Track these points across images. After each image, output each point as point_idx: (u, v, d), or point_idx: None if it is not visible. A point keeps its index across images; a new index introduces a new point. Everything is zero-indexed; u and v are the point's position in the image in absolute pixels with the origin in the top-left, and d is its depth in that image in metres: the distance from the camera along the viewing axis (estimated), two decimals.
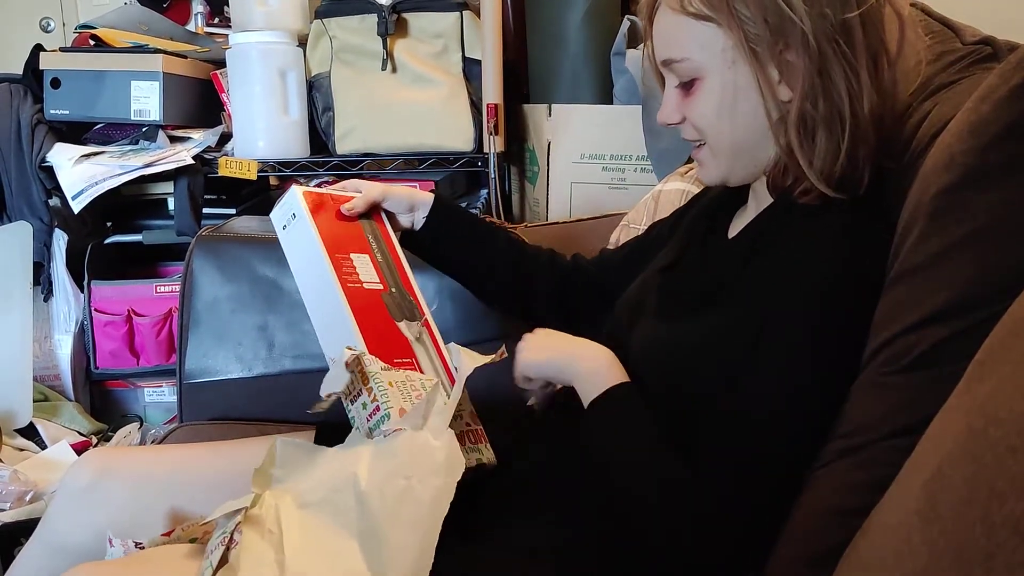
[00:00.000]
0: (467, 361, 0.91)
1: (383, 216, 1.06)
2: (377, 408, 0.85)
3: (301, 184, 1.00)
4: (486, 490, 0.90)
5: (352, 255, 0.96)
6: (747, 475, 0.75)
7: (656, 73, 0.91)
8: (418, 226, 1.08)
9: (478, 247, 1.11)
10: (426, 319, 0.99)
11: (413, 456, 0.82)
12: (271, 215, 1.00)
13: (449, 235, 1.09)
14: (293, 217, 0.96)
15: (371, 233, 1.02)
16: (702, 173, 0.90)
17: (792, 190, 0.83)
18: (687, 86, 0.84)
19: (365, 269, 0.96)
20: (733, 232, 0.93)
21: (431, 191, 1.12)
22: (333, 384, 0.85)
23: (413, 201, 1.07)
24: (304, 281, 0.96)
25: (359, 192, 1.03)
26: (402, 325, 0.95)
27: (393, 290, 0.97)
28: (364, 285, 0.94)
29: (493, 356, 0.93)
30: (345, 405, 0.88)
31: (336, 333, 0.91)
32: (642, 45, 0.92)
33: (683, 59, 0.83)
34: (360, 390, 0.87)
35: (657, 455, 0.78)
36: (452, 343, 0.97)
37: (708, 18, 0.80)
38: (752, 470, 0.75)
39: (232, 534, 0.81)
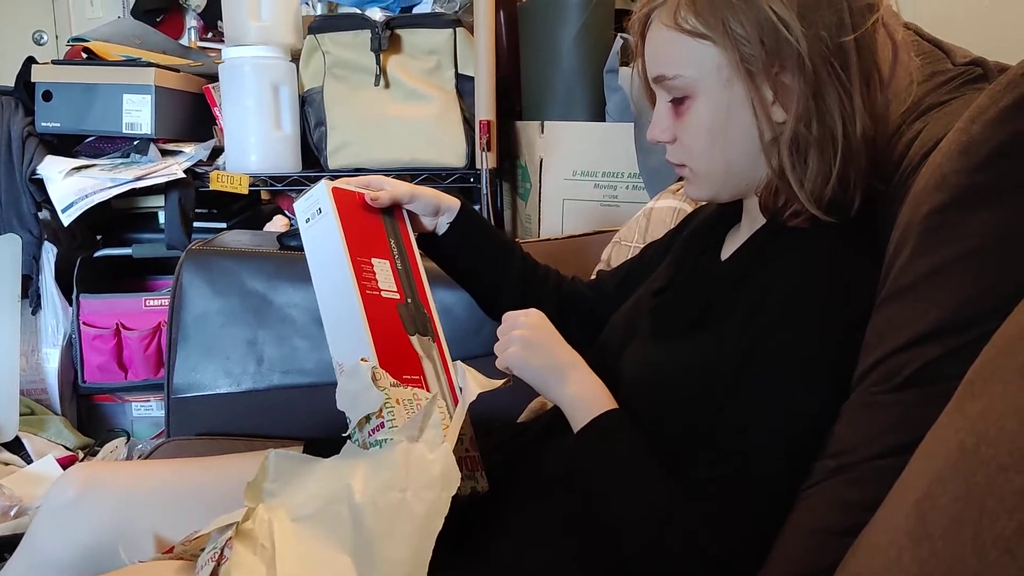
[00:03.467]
0: (473, 385, 0.90)
1: (405, 216, 1.04)
2: (382, 425, 0.84)
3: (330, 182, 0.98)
4: (477, 510, 0.89)
5: (373, 260, 0.94)
6: (734, 495, 0.75)
7: (645, 90, 0.90)
8: (440, 231, 1.06)
9: (495, 261, 1.10)
10: (437, 334, 0.97)
11: (408, 468, 0.81)
12: (295, 204, 0.98)
13: (469, 245, 1.08)
14: (318, 212, 0.94)
15: (393, 236, 1.00)
16: (690, 189, 0.90)
17: (782, 212, 0.82)
18: (679, 103, 0.84)
19: (384, 276, 0.94)
20: (726, 253, 0.92)
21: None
22: (362, 405, 0.84)
23: (440, 205, 1.05)
24: (321, 279, 0.94)
25: (385, 189, 1.01)
26: (414, 339, 0.93)
27: (409, 301, 0.96)
28: (382, 293, 0.93)
29: (500, 383, 0.92)
30: (348, 416, 0.87)
31: (348, 339, 0.89)
32: (633, 62, 0.91)
33: (676, 76, 0.82)
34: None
35: (644, 486, 0.78)
36: (459, 361, 0.95)
37: (703, 36, 0.79)
38: (740, 490, 0.75)
39: (223, 549, 0.80)
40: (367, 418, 0.85)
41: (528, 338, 0.87)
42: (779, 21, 0.76)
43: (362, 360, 0.86)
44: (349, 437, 0.87)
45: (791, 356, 0.75)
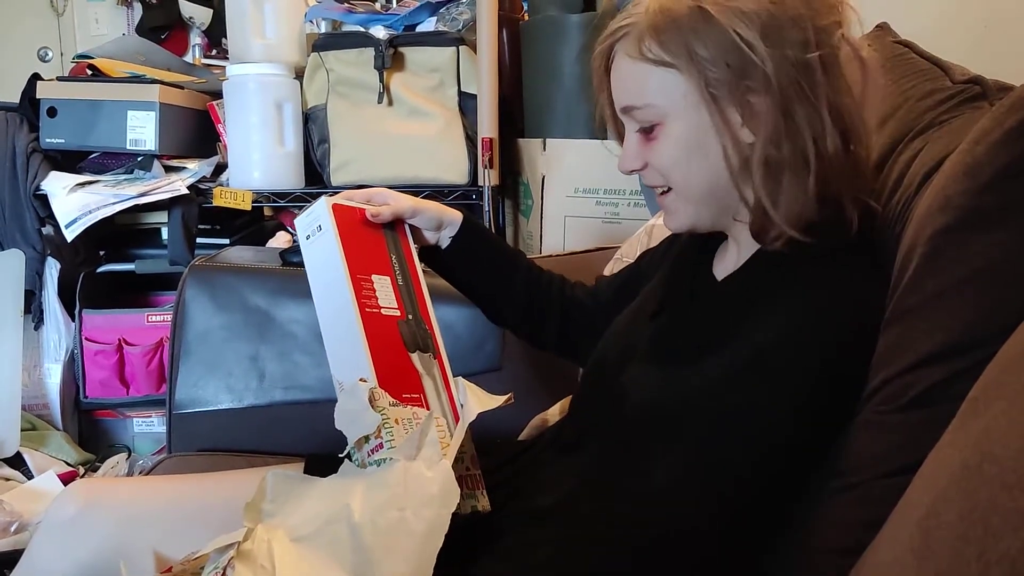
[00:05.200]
0: (474, 404, 0.89)
1: (407, 230, 1.03)
2: (380, 445, 0.83)
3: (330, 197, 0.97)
4: (475, 529, 0.89)
5: (373, 276, 0.94)
6: (732, 510, 0.76)
7: (612, 123, 0.90)
8: (443, 244, 1.06)
9: (499, 273, 1.10)
10: (439, 350, 0.97)
11: (407, 487, 0.81)
12: (296, 221, 0.98)
13: (474, 258, 1.08)
14: (319, 229, 0.94)
15: (394, 251, 0.99)
16: (669, 221, 0.88)
17: (775, 237, 0.81)
18: (648, 131, 0.83)
19: (385, 293, 0.94)
20: (718, 271, 0.92)
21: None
22: (359, 426, 0.83)
23: (442, 219, 1.04)
24: (321, 297, 0.94)
25: (387, 204, 1.01)
26: (414, 356, 0.93)
27: (410, 317, 0.95)
28: (382, 311, 0.92)
29: (502, 400, 0.92)
30: (347, 436, 0.87)
31: (348, 357, 0.89)
32: (597, 95, 0.91)
33: (644, 106, 0.82)
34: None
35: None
36: (460, 378, 0.95)
37: (668, 64, 0.79)
38: (737, 508, 0.76)
39: (224, 569, 0.79)
40: (365, 438, 0.85)
41: None
42: (743, 43, 0.75)
43: (360, 380, 0.86)
44: (348, 457, 0.86)
45: (800, 381, 0.75)
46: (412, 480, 0.81)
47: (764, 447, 0.76)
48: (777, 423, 0.75)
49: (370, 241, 0.98)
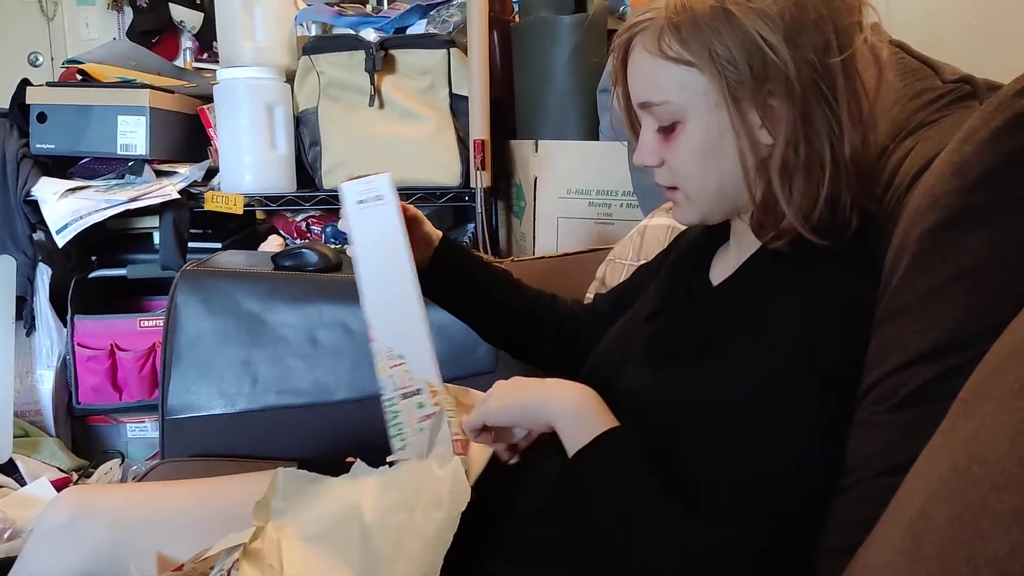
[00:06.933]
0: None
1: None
2: (433, 415, 0.87)
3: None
4: (479, 527, 0.89)
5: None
6: (752, 520, 0.74)
7: (626, 116, 0.90)
8: (424, 263, 1.05)
9: (485, 291, 1.10)
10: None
11: (418, 487, 0.81)
12: (343, 185, 0.99)
13: (457, 275, 1.08)
14: (378, 199, 0.96)
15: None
16: (678, 214, 0.88)
17: (776, 236, 0.81)
18: (667, 130, 0.83)
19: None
20: (715, 273, 0.91)
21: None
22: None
23: (432, 237, 1.06)
24: (368, 261, 0.95)
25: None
26: None
27: None
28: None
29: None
30: (391, 399, 0.89)
31: (398, 322, 0.92)
32: (613, 88, 0.90)
33: (663, 102, 0.81)
34: (419, 389, 0.89)
35: (664, 509, 0.76)
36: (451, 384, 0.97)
37: (688, 63, 0.78)
38: (757, 516, 0.74)
39: (229, 571, 0.79)
40: (419, 404, 0.89)
41: (502, 388, 0.87)
42: (766, 45, 0.75)
43: (429, 385, 0.89)
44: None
45: (801, 382, 0.75)
46: (423, 480, 0.81)
47: (786, 462, 0.74)
48: (793, 437, 0.74)
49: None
